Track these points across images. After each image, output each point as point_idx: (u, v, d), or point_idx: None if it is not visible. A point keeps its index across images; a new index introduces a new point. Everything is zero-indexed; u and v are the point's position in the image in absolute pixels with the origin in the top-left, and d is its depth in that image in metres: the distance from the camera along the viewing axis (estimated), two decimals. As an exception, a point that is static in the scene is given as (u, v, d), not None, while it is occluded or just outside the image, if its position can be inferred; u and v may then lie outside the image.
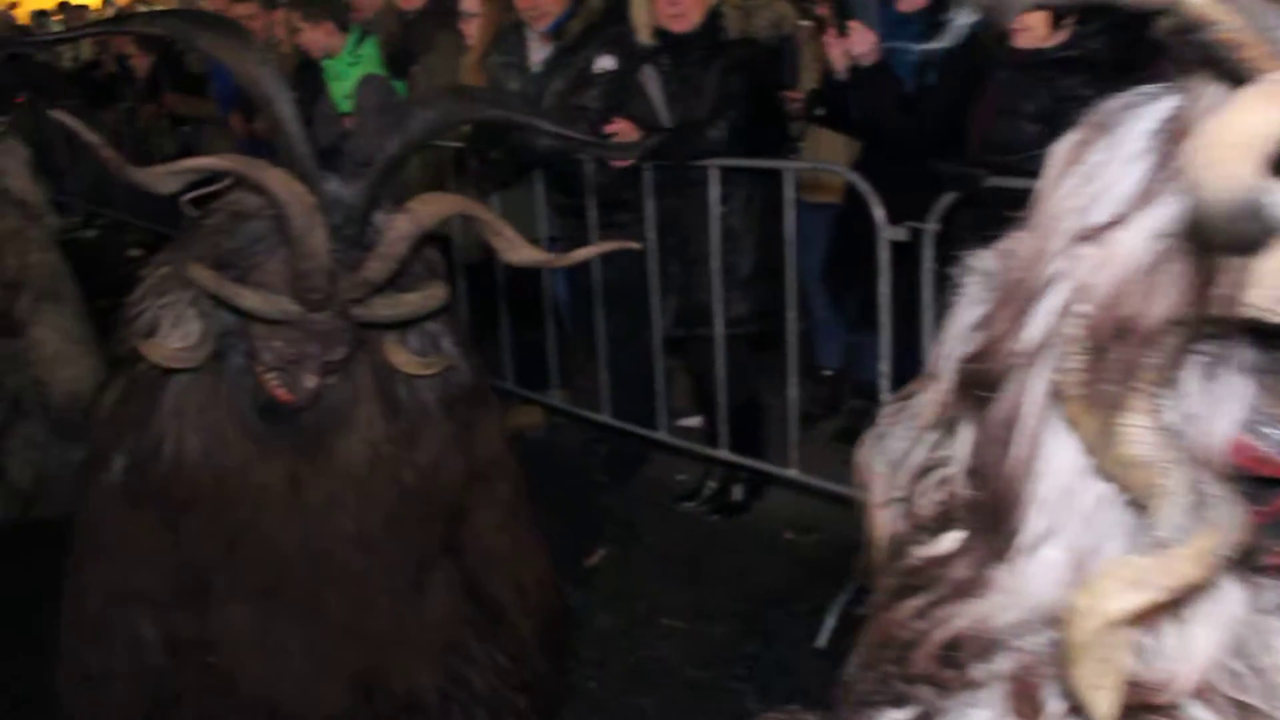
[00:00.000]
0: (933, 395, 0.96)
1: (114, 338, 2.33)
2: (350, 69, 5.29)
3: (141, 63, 8.43)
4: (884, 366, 3.58)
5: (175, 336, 2.17)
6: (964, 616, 0.84)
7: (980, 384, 0.83)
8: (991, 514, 0.82)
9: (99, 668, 2.44)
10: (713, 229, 3.93)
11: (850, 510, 1.05)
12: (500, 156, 4.27)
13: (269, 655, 2.37)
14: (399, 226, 2.02)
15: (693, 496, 4.54)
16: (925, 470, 0.97)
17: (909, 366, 3.54)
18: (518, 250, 2.25)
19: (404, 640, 2.45)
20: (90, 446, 2.36)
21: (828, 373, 5.14)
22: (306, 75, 5.54)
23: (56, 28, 13.42)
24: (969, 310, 0.90)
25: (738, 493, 4.47)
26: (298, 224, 1.93)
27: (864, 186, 3.49)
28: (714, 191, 3.91)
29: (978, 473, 0.84)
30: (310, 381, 2.14)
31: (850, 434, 4.81)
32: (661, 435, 4.48)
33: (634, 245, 2.42)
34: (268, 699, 2.33)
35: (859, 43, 3.67)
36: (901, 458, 1.01)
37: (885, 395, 3.61)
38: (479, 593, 2.63)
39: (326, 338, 2.10)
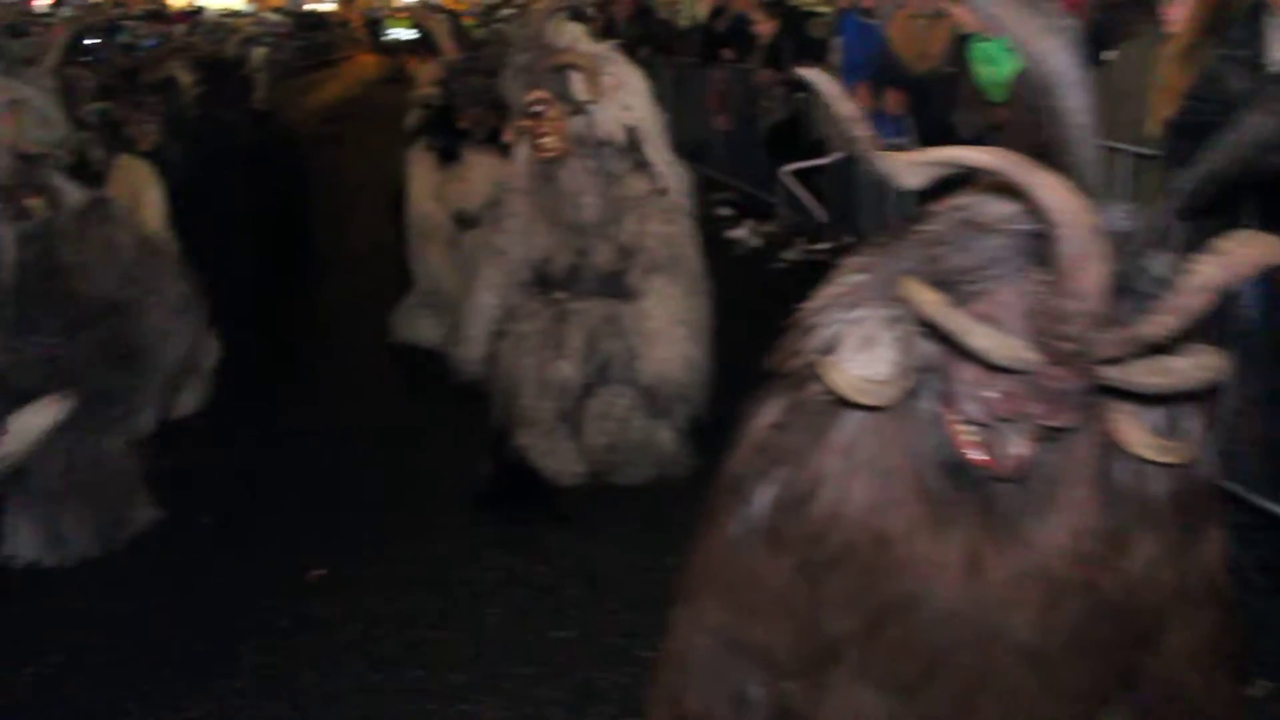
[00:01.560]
0: None
1: (777, 347, 2.06)
2: (1008, 53, 4.83)
3: (765, 28, 8.54)
4: None
5: (860, 362, 1.84)
6: None
7: None
8: None
9: (695, 714, 2.23)
10: None
11: None
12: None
13: (892, 761, 2.03)
14: (1204, 274, 1.52)
15: (1378, 628, 3.65)
16: None
17: None
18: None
19: (1059, 788, 2.00)
20: (733, 470, 2.11)
21: None
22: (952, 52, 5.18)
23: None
24: None
25: None
26: (1071, 250, 1.51)
27: None
28: None
29: None
30: (1020, 448, 1.73)
31: None
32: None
33: None
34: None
35: None
36: None
37: None
38: (1152, 740, 2.12)
39: (1056, 399, 1.67)
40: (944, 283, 1.71)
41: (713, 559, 2.15)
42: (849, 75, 6.61)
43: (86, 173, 4.95)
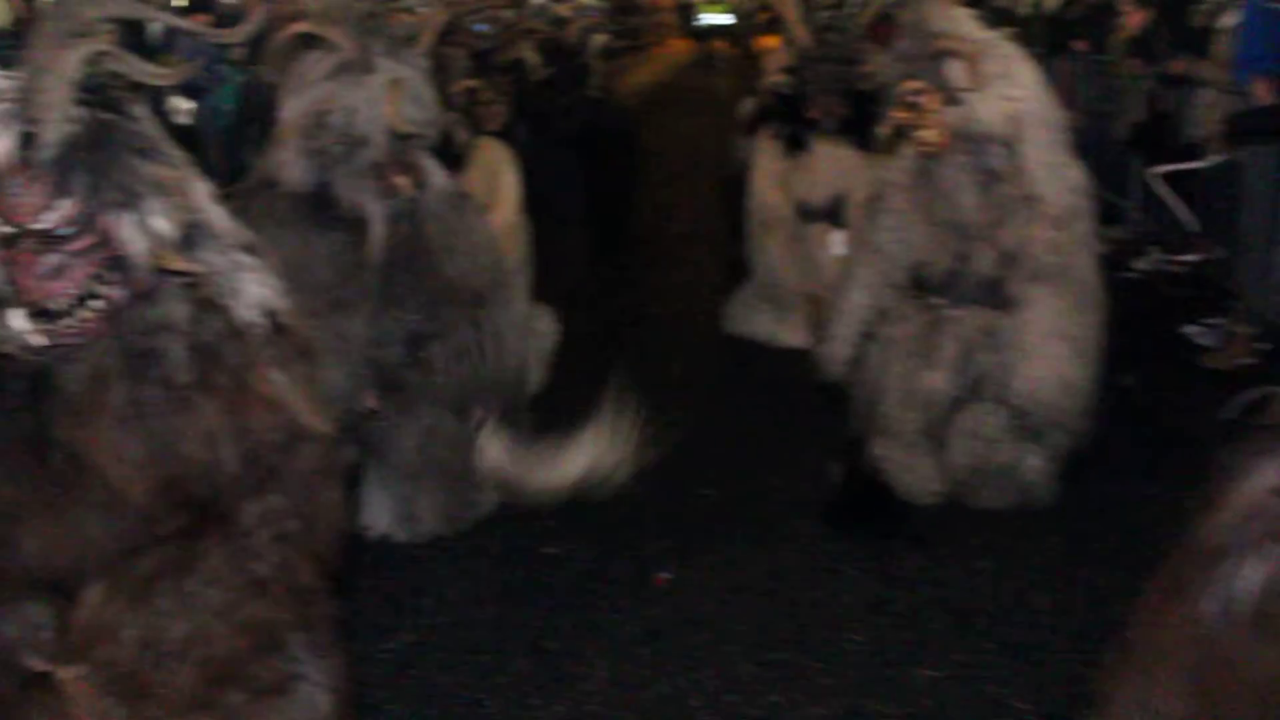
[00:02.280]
0: None
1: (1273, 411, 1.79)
2: None
3: (1135, 19, 7.96)
4: None
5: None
6: None
7: None
8: None
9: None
10: None
11: None
12: None
13: None
14: None
15: None
16: None
17: None
18: None
19: None
20: (1211, 537, 1.86)
21: None
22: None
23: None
24: None
25: None
26: None
27: None
28: None
29: None
30: None
31: None
32: None
33: None
34: None
35: None
36: None
37: None
38: None
39: None
40: None
41: (1174, 636, 1.91)
42: (1244, 67, 6.04)
43: (450, 153, 5.07)
